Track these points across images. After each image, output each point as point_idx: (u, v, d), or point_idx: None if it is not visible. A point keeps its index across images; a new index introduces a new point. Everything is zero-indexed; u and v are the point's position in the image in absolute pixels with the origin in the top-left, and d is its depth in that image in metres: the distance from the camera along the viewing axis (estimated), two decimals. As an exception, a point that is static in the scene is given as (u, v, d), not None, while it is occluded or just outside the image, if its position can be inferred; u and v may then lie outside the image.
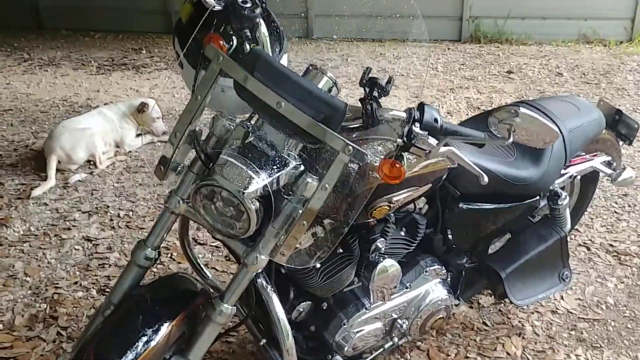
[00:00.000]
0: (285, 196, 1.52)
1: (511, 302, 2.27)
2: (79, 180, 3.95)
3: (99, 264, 3.01)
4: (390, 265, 1.94)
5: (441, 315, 2.22)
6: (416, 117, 1.54)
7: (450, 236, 2.20)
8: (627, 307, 2.67)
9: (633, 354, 2.42)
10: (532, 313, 2.63)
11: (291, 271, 1.82)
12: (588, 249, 3.07)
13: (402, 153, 1.55)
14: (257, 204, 1.50)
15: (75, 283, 2.86)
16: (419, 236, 2.07)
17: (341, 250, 1.90)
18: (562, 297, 2.72)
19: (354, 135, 1.68)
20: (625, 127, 2.58)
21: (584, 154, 2.46)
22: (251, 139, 1.52)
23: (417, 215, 2.07)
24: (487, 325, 2.56)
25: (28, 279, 2.90)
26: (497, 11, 7.47)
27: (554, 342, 2.48)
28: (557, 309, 2.66)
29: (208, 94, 1.52)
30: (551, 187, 2.30)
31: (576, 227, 3.19)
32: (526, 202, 2.23)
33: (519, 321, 2.58)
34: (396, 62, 6.59)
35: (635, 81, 5.82)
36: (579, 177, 2.41)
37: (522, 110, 1.49)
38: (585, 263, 2.97)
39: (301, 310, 2.00)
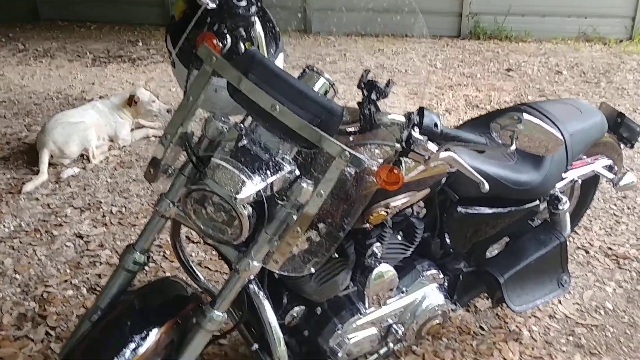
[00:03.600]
0: (279, 201, 1.47)
1: (509, 308, 2.23)
2: (72, 175, 3.89)
3: (90, 262, 2.96)
4: (386, 270, 1.90)
5: (438, 321, 2.17)
6: (415, 122, 1.49)
7: (448, 240, 2.15)
8: (625, 312, 2.64)
9: (631, 361, 2.39)
10: (530, 317, 2.59)
11: (285, 276, 1.77)
12: (587, 252, 3.03)
13: (401, 158, 1.50)
14: (250, 209, 1.45)
15: (66, 281, 2.81)
16: (416, 241, 2.03)
17: (336, 255, 1.85)
18: (559, 302, 2.68)
19: (351, 139, 1.63)
20: (627, 130, 2.53)
21: (585, 157, 2.42)
22: (244, 142, 1.47)
23: (414, 219, 2.02)
24: (483, 329, 2.52)
25: (17, 276, 2.85)
26: (496, 8, 7.43)
27: (552, 347, 2.44)
28: (554, 313, 2.62)
29: (200, 96, 1.47)
30: (551, 192, 2.26)
31: (575, 229, 3.15)
32: (526, 206, 2.19)
33: (516, 326, 2.54)
34: (395, 57, 6.55)
35: (635, 80, 5.78)
36: (579, 181, 2.37)
37: (526, 117, 1.44)
38: (583, 266, 2.93)
39: (295, 315, 1.95)
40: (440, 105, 5.15)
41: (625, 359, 2.39)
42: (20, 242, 3.13)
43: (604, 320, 2.59)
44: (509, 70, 6.14)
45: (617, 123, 2.53)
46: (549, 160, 2.14)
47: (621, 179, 2.39)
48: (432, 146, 1.48)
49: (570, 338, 2.49)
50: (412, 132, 1.47)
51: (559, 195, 2.25)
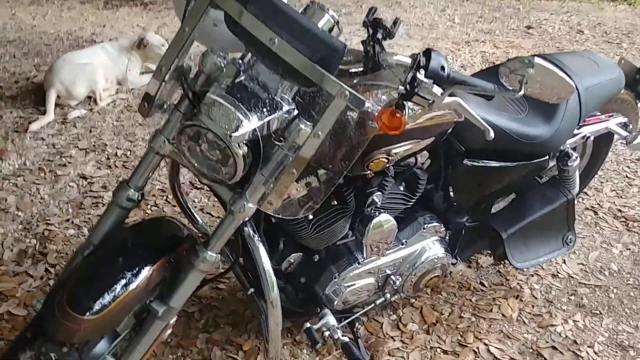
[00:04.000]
0: (277, 142, 1.42)
1: (510, 264, 2.19)
2: (78, 117, 3.86)
3: (93, 203, 2.94)
4: (385, 220, 1.86)
5: (437, 274, 2.14)
6: (422, 64, 1.43)
7: (451, 193, 2.10)
8: (631, 274, 2.59)
9: (634, 323, 2.35)
10: (532, 276, 2.56)
11: (282, 221, 1.74)
12: (595, 213, 2.97)
13: (404, 102, 1.44)
14: (245, 148, 1.40)
15: (67, 220, 2.80)
16: (418, 192, 1.98)
17: (335, 202, 1.81)
18: (564, 261, 2.64)
19: (354, 81, 1.57)
20: (648, 87, 2.45)
21: (599, 113, 2.34)
22: (242, 78, 1.42)
23: (418, 169, 1.97)
24: (484, 285, 2.50)
25: (20, 213, 2.85)
26: (520, -38, 7.17)
27: (552, 306, 2.41)
28: (558, 272, 2.58)
29: (196, 27, 1.41)
30: (562, 147, 2.19)
31: (585, 190, 3.09)
32: (534, 161, 2.12)
33: (518, 283, 2.51)
34: (412, 11, 6.39)
35: (659, 42, 5.61)
36: (591, 138, 2.29)
37: (537, 60, 1.37)
38: (591, 227, 2.88)
39: (292, 261, 1.93)
40: (456, 61, 5.02)
41: (628, 321, 2.36)
42: (24, 181, 3.12)
43: (608, 281, 2.56)
44: (529, 27, 5.97)
45: (635, 80, 2.44)
46: (561, 115, 2.06)
47: (635, 137, 2.31)
48: (437, 90, 1.41)
49: (572, 297, 2.46)
50: (417, 74, 1.40)
51: (570, 151, 2.18)
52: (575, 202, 2.81)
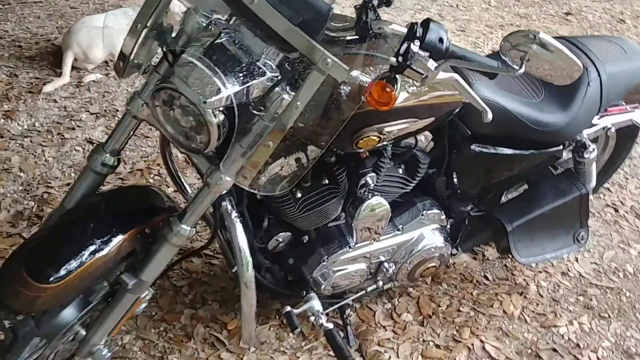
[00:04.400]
0: (256, 112, 1.32)
1: (514, 259, 2.06)
2: (93, 81, 3.80)
3: (96, 168, 2.89)
4: (378, 203, 1.75)
5: (434, 264, 2.03)
6: (418, 35, 1.30)
7: (455, 180, 1.98)
8: (647, 278, 2.44)
9: (643, 330, 2.21)
10: (540, 272, 2.42)
11: (266, 197, 1.64)
12: (616, 210, 2.80)
13: (396, 76, 1.33)
14: (222, 117, 1.30)
15: (68, 184, 2.75)
16: (418, 176, 1.87)
17: (327, 182, 1.71)
18: (576, 259, 2.50)
19: (345, 50, 1.45)
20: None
21: (623, 104, 2.17)
22: (223, 39, 1.32)
23: (419, 152, 1.85)
24: (487, 279, 2.37)
25: (22, 174, 2.81)
26: (565, -54, 6.86)
27: (558, 305, 2.28)
28: (568, 270, 2.44)
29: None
30: (578, 137, 2.04)
31: (607, 186, 2.93)
32: (547, 150, 1.99)
33: (524, 279, 2.38)
34: (447, -9, 6.17)
35: None
36: (613, 129, 2.13)
37: (542, 36, 1.24)
38: (609, 226, 2.71)
39: (280, 240, 1.84)
40: (487, 44, 4.82)
41: (637, 327, 2.22)
42: (31, 142, 3.09)
43: (621, 283, 2.41)
44: (567, 14, 5.70)
45: (668, 71, 2.27)
46: (579, 102, 1.92)
47: (660, 131, 2.14)
48: (432, 64, 1.29)
49: (581, 298, 2.32)
50: (412, 45, 1.29)
51: (587, 142, 2.03)
52: (592, 197, 2.67)
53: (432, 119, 1.65)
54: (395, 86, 1.33)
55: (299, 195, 1.69)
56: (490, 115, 1.43)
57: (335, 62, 1.19)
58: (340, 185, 1.72)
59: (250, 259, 1.52)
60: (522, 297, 2.30)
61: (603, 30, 5.32)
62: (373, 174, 1.73)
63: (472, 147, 1.89)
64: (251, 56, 1.31)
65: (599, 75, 1.94)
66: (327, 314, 1.85)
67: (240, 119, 1.32)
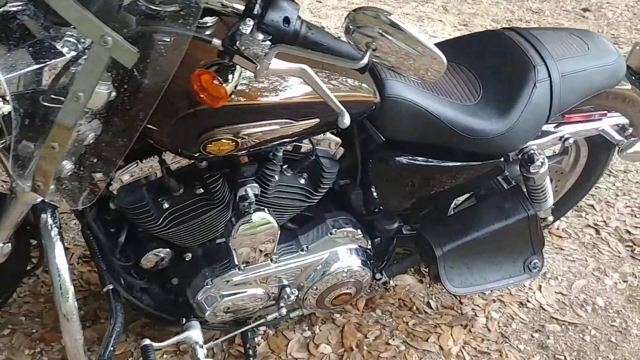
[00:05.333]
0: (48, 103, 1.05)
1: (445, 288, 1.75)
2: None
3: None
4: (261, 220, 1.46)
5: (348, 290, 1.74)
6: (257, 12, 1.02)
7: (375, 193, 1.68)
8: (619, 314, 2.09)
9: (605, 378, 1.88)
10: (494, 301, 2.09)
11: (119, 207, 1.38)
12: (597, 232, 2.44)
13: (227, 64, 1.04)
14: (8, 107, 1.04)
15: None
16: (322, 187, 1.57)
17: (201, 191, 1.44)
18: (539, 288, 2.16)
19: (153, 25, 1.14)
20: (664, 83, 1.92)
21: (593, 110, 1.83)
22: (11, 9, 1.05)
23: (325, 159, 1.56)
24: (430, 307, 2.05)
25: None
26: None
27: (507, 343, 1.95)
28: (527, 301, 2.11)
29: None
30: (526, 148, 1.72)
31: (592, 203, 2.57)
32: (484, 162, 1.66)
33: (473, 309, 2.06)
34: (457, -17, 5.80)
35: None
36: (571, 140, 1.79)
37: (392, 18, 0.94)
38: (587, 249, 2.36)
39: (161, 256, 1.57)
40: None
41: (598, 374, 1.89)
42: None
43: (588, 319, 2.06)
44: (585, 10, 5.27)
45: (649, 73, 1.92)
46: (521, 106, 1.59)
47: (630, 145, 1.80)
48: (262, 48, 1.00)
49: (536, 335, 1.99)
50: (242, 25, 1.00)
51: (534, 153, 1.71)
52: (568, 216, 2.34)
53: (316, 120, 1.35)
54: (231, 77, 1.05)
55: (166, 205, 1.42)
56: (346, 120, 1.13)
57: (117, 40, 0.91)
58: (216, 195, 1.44)
59: (70, 287, 1.26)
60: (466, 330, 1.98)
61: (622, 28, 4.90)
62: (254, 184, 1.44)
63: (389, 156, 1.59)
64: (47, 31, 1.04)
65: (550, 75, 1.61)
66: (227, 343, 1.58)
67: (30, 111, 1.05)
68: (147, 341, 1.48)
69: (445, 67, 1.01)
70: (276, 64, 1.02)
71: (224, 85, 1.04)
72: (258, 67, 1.01)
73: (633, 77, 1.95)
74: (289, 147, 1.49)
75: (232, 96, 1.16)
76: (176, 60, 1.03)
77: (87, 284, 2.03)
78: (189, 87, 1.07)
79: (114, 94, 1.06)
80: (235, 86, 1.08)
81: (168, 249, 1.57)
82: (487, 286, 1.81)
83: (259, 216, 1.45)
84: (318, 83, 1.08)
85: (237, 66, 1.07)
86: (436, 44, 1.77)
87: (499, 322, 2.02)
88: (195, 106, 1.15)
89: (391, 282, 2.11)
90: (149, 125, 1.17)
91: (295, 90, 1.27)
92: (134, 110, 1.06)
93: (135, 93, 1.06)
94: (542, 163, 1.70)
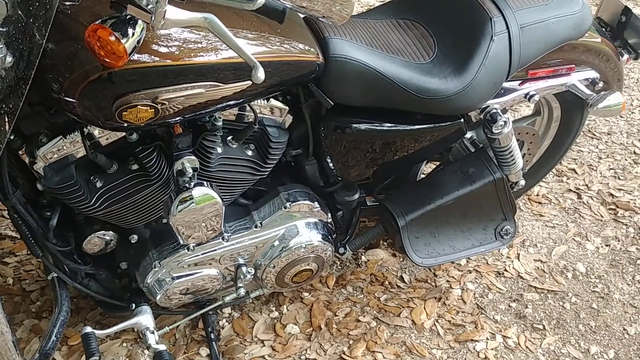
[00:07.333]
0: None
1: (411, 260, 1.67)
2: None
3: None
4: (202, 195, 1.36)
5: (308, 267, 1.66)
6: None
7: (330, 163, 1.59)
8: (601, 279, 2.00)
9: (585, 345, 1.79)
10: (470, 272, 2.01)
11: (44, 187, 1.29)
12: (579, 196, 2.35)
13: (124, 17, 0.95)
14: None
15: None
16: (271, 158, 1.49)
17: (136, 167, 1.35)
18: (517, 256, 2.07)
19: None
20: (635, 33, 1.82)
21: (560, 64, 1.73)
22: None
23: (271, 128, 1.47)
24: (403, 280, 1.97)
25: None
26: None
27: (483, 314, 1.87)
28: (505, 270, 2.02)
29: None
30: (488, 108, 1.62)
31: (574, 167, 2.48)
32: (442, 124, 1.57)
33: (448, 281, 1.97)
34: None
35: None
36: (537, 96, 1.68)
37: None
38: (568, 215, 2.27)
39: (106, 239, 1.49)
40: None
41: (578, 342, 1.80)
42: None
43: (568, 286, 1.98)
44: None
45: (620, 23, 1.83)
46: (477, 62, 1.49)
47: (599, 100, 1.69)
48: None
49: (513, 305, 1.91)
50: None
51: (496, 113, 1.61)
52: (548, 179, 2.26)
53: (247, 83, 1.25)
54: (131, 32, 0.95)
55: (99, 184, 1.33)
56: (260, 74, 1.04)
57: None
58: (152, 171, 1.35)
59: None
60: (440, 303, 1.90)
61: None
62: (192, 157, 1.35)
63: (341, 121, 1.50)
64: None
65: (508, 27, 1.51)
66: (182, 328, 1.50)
67: None
68: (88, 329, 1.39)
69: (353, 6, 0.92)
70: (176, 13, 0.93)
71: (122, 41, 0.95)
72: (153, 18, 0.92)
73: (604, 29, 1.86)
74: (232, 117, 1.41)
75: (146, 55, 1.07)
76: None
77: (44, 274, 1.96)
78: (85, 44, 0.97)
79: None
80: (139, 41, 0.99)
81: (112, 232, 1.49)
82: (456, 255, 1.73)
83: (199, 192, 1.35)
84: (226, 34, 0.99)
85: (140, 20, 0.97)
86: (388, 1, 1.71)
87: (474, 294, 1.94)
88: (104, 70, 1.06)
89: (363, 257, 2.03)
90: (63, 97, 1.09)
91: (221, 48, 1.18)
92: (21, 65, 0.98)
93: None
94: (505, 122, 1.60)
